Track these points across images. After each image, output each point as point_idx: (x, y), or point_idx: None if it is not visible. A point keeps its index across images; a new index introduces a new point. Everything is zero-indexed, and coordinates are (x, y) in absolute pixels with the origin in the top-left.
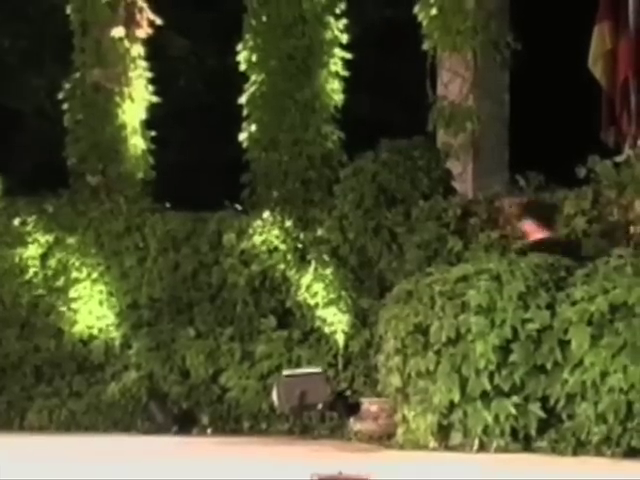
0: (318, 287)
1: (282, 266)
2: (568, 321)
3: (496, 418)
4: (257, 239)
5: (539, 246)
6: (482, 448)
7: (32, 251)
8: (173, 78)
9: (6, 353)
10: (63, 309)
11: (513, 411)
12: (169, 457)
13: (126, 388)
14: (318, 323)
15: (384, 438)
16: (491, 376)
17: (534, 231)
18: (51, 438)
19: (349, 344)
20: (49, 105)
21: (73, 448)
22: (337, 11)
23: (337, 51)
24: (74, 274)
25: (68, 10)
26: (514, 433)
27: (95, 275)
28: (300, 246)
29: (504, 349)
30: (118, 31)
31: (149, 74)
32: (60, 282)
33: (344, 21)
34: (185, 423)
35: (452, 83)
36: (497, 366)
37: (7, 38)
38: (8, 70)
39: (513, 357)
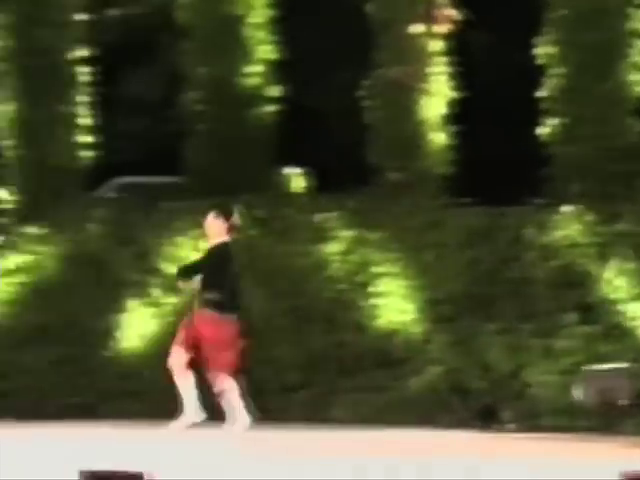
0: (621, 281)
1: (583, 261)
2: None
3: None
4: (558, 234)
5: None
6: None
7: (334, 247)
8: (474, 73)
9: (310, 348)
10: (365, 304)
11: None
12: (473, 452)
13: (428, 383)
14: (621, 318)
15: None
16: None
17: None
18: (355, 433)
19: None
20: (350, 103)
21: (378, 442)
22: (638, 2)
23: (638, 42)
24: (375, 269)
25: (368, 8)
26: None
27: (396, 270)
28: (601, 240)
29: None
30: (418, 28)
31: (450, 69)
32: (362, 277)
33: None
34: (486, 418)
35: None
36: None
37: (309, 39)
38: (310, 70)
39: None
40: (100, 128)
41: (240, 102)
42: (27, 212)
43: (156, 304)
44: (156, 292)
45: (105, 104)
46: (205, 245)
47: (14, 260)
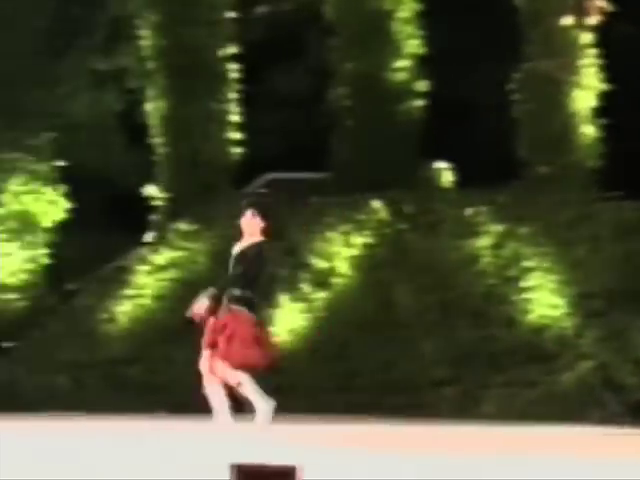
0: None
1: None
2: None
3: None
4: None
5: None
6: None
7: (484, 241)
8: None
9: (459, 343)
10: (516, 298)
11: None
12: (626, 450)
13: (580, 378)
14: None
15: None
16: None
17: None
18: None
19: None
20: (498, 97)
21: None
22: None
23: None
24: (526, 263)
25: (517, 1)
26: None
27: (546, 264)
28: None
29: None
30: (568, 20)
31: (598, 61)
32: (512, 272)
33: None
34: (638, 414)
35: None
36: None
37: (456, 33)
38: (458, 64)
39: None
40: (249, 125)
41: (387, 97)
42: (177, 209)
43: (306, 299)
44: (306, 287)
45: (253, 101)
46: (355, 240)
47: (166, 256)
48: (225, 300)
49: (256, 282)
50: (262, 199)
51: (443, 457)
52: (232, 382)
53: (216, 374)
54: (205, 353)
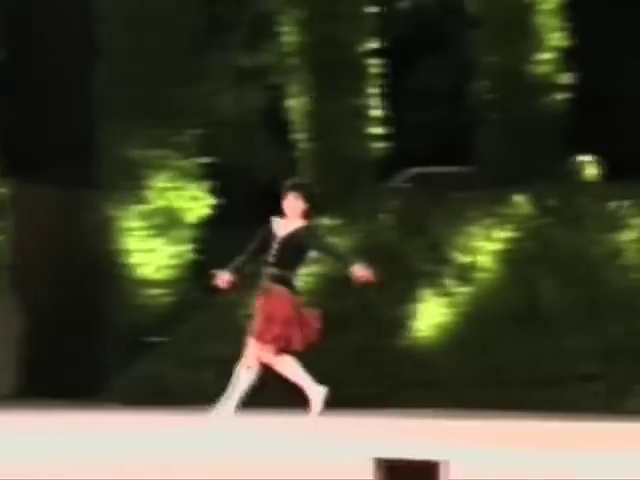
0: None
1: None
2: None
3: None
4: None
5: None
6: None
7: (628, 235)
8: None
9: (605, 337)
10: None
11: None
12: None
13: None
14: None
15: None
16: None
17: None
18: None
19: None
20: None
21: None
22: None
23: None
24: None
25: None
26: None
27: None
28: None
29: None
30: None
31: None
32: None
33: None
34: None
35: None
36: None
37: (600, 25)
38: (602, 57)
39: None
40: (391, 119)
41: (531, 90)
42: (321, 204)
43: (449, 294)
44: (449, 282)
45: (396, 95)
46: (499, 234)
47: None
48: (265, 279)
49: (298, 265)
50: (304, 183)
51: (588, 454)
52: (276, 366)
53: (259, 358)
54: (250, 340)
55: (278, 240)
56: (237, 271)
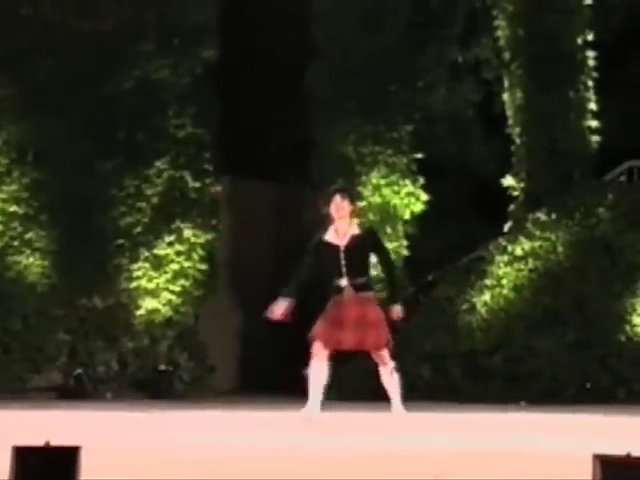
0: None
1: None
2: None
3: None
4: None
5: None
6: None
7: None
8: None
9: None
10: None
11: None
12: None
13: None
14: None
15: None
16: None
17: None
18: None
19: None
20: None
21: None
22: None
23: None
24: None
25: None
26: None
27: None
28: None
29: None
30: None
31: None
32: None
33: None
34: None
35: None
36: None
37: None
38: None
39: None
40: (607, 112)
41: None
42: (536, 198)
43: None
44: None
45: (613, 88)
46: None
47: (524, 246)
48: (349, 291)
49: (368, 269)
50: (346, 186)
51: None
52: (391, 364)
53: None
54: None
55: (342, 249)
56: (294, 295)
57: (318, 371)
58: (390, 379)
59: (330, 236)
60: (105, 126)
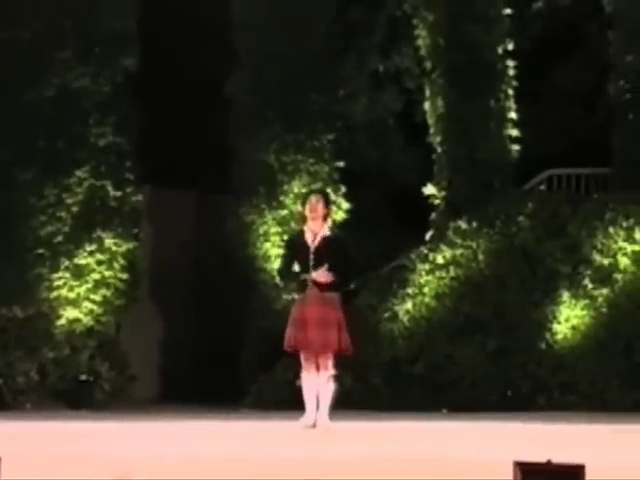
0: None
1: None
2: None
3: None
4: None
5: None
6: None
7: None
8: None
9: None
10: None
11: None
12: None
13: None
14: None
15: None
16: None
17: None
18: None
19: None
20: None
21: None
22: None
23: None
24: None
25: None
26: None
27: None
28: None
29: None
30: None
31: None
32: None
33: None
34: None
35: None
36: None
37: None
38: None
39: None
40: (528, 121)
41: None
42: (457, 207)
43: (588, 296)
44: (588, 284)
45: (533, 97)
46: (638, 235)
47: (445, 254)
48: (313, 289)
49: (335, 271)
50: (323, 189)
51: None
52: (330, 372)
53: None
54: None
55: (312, 250)
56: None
57: (308, 381)
58: (325, 387)
59: (304, 235)
60: (25, 135)
